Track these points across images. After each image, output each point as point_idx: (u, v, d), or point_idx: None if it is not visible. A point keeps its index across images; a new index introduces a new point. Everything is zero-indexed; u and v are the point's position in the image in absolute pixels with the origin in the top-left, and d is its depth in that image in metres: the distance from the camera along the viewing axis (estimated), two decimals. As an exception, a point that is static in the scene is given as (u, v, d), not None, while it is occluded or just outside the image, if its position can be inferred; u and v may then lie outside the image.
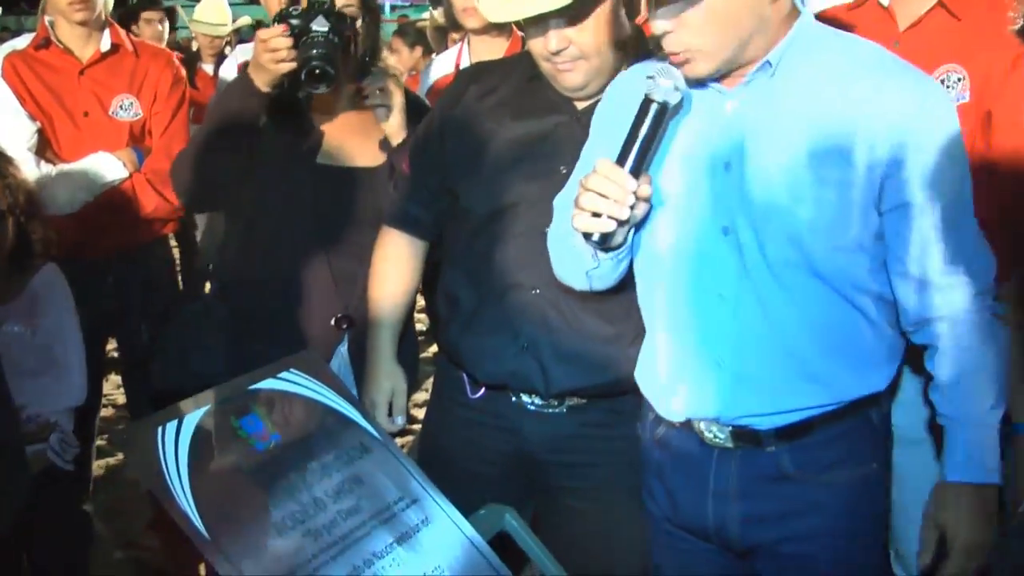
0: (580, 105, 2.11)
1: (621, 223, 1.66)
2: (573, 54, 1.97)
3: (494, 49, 3.13)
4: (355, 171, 2.52)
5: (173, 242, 4.02)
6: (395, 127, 2.46)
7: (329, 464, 1.64)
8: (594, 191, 1.64)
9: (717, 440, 1.80)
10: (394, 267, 2.37)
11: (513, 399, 2.20)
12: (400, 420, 2.38)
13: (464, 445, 2.24)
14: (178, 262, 4.74)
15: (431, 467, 1.81)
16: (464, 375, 2.26)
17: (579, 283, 1.94)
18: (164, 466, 1.46)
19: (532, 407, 2.19)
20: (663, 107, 1.65)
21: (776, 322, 1.71)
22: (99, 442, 3.59)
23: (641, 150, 1.65)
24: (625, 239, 1.77)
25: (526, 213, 2.13)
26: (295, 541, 1.50)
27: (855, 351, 1.75)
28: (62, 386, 2.71)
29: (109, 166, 3.10)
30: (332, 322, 2.51)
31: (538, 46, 1.99)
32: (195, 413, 1.56)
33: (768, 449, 1.76)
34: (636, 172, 1.64)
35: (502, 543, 1.80)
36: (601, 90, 2.02)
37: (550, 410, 2.20)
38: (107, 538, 3.91)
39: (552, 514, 2.28)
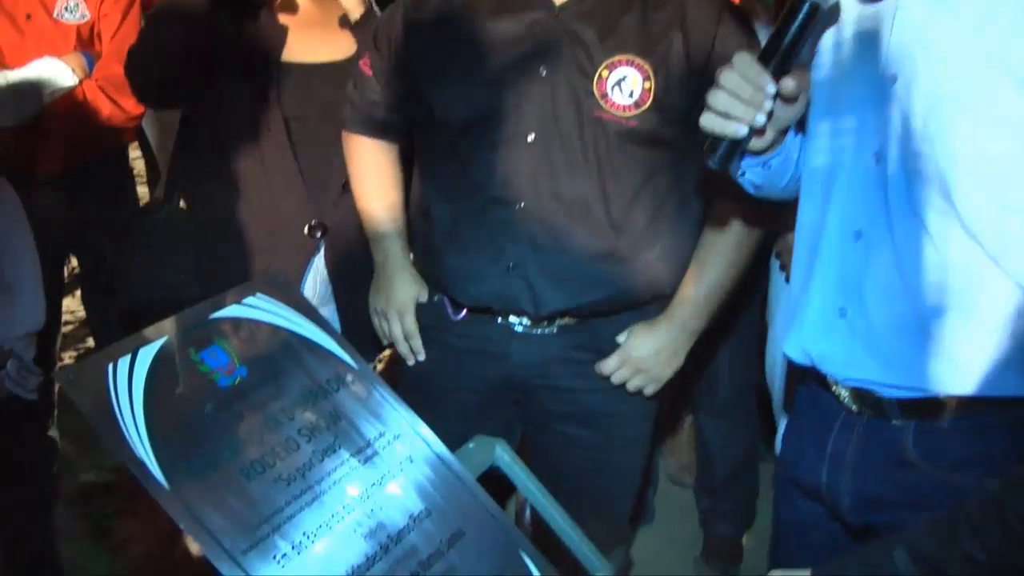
0: (558, 1, 1.94)
1: (754, 129, 1.49)
2: None
3: None
4: (322, 67, 2.36)
5: (136, 153, 3.84)
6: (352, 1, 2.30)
7: (303, 399, 1.48)
8: (727, 91, 1.47)
9: (843, 399, 1.60)
10: (376, 178, 2.22)
11: (499, 321, 2.07)
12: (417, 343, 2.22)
13: (448, 372, 2.11)
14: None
15: (412, 397, 1.64)
16: (444, 298, 2.11)
17: (748, 190, 1.75)
18: (116, 407, 1.30)
19: (520, 329, 2.06)
20: (815, 8, 1.46)
21: (911, 279, 1.47)
22: (68, 359, 3.45)
23: (785, 52, 1.47)
24: (772, 145, 1.59)
25: (505, 121, 1.97)
26: (266, 487, 1.35)
27: (1007, 338, 1.45)
28: (16, 311, 2.54)
29: (56, 72, 2.89)
30: (305, 230, 2.38)
31: None
32: (150, 346, 1.39)
33: (894, 422, 1.54)
34: (777, 75, 1.46)
35: (486, 475, 1.66)
36: None
37: (539, 331, 2.06)
38: (75, 462, 3.78)
39: (542, 442, 2.18)
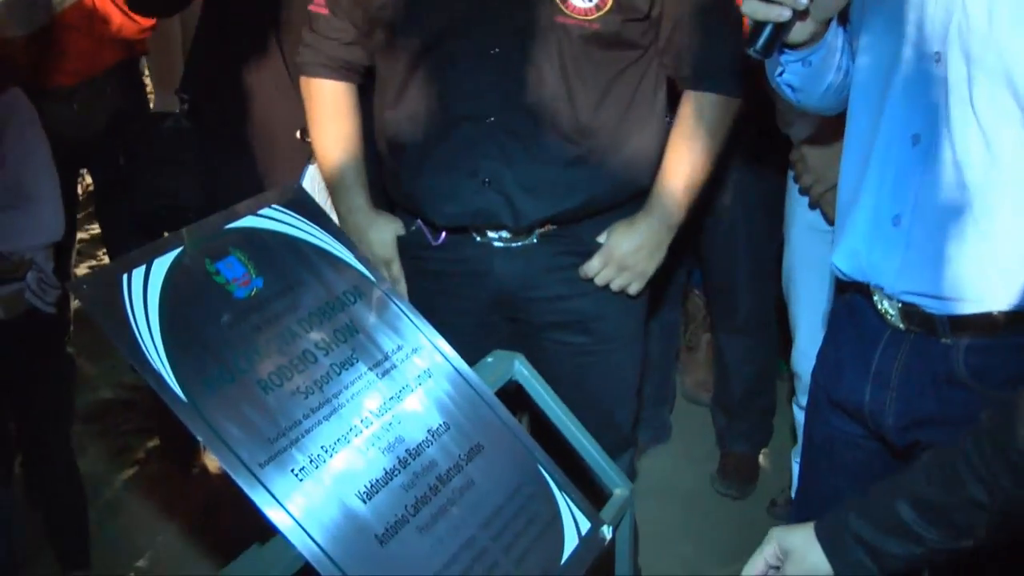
0: None
1: (797, 13, 1.43)
2: None
3: None
4: None
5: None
6: None
7: (319, 311, 1.45)
8: None
9: (889, 315, 1.56)
10: (338, 123, 2.18)
11: (478, 239, 2.06)
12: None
13: (434, 298, 2.10)
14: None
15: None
16: (420, 223, 2.09)
17: (784, 93, 1.71)
18: (132, 319, 1.27)
19: (500, 243, 2.05)
20: None
21: (970, 186, 1.42)
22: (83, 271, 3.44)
23: None
24: (813, 38, 1.54)
25: (467, 36, 1.95)
26: (284, 399, 1.33)
27: None
28: (36, 221, 2.55)
29: None
30: (298, 134, 2.39)
31: None
32: (165, 257, 1.35)
33: (943, 340, 1.50)
34: None
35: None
36: None
37: (520, 243, 2.07)
38: (93, 377, 3.80)
39: (538, 356, 2.15)
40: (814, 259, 2.43)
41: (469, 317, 2.15)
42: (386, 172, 2.19)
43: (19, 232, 2.48)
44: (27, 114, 2.53)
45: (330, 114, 2.18)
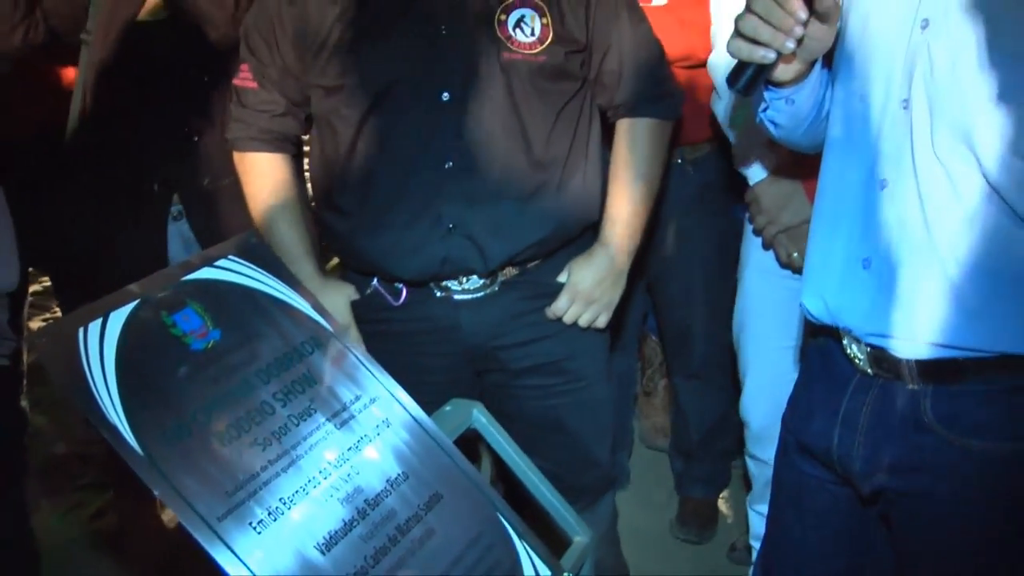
0: None
1: (781, 55, 1.45)
2: None
3: None
4: None
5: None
6: None
7: (277, 362, 1.46)
8: (757, 14, 1.41)
9: (858, 360, 1.58)
10: (279, 195, 2.15)
11: (439, 294, 2.06)
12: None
13: (400, 359, 2.05)
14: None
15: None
16: (377, 283, 2.09)
17: (768, 130, 1.73)
18: (88, 372, 1.27)
19: (463, 295, 2.06)
20: None
21: (935, 231, 1.45)
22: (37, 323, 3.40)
23: None
24: (798, 77, 1.56)
25: (415, 86, 1.98)
26: (241, 451, 1.33)
27: None
28: None
29: None
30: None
31: None
32: (121, 310, 1.35)
33: (910, 386, 1.52)
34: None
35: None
36: None
37: (482, 293, 2.08)
38: (46, 432, 3.74)
39: (511, 406, 2.17)
40: (766, 303, 2.45)
41: (438, 375, 2.14)
42: (333, 235, 2.16)
43: None
44: None
45: (269, 187, 2.14)
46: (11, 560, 2.81)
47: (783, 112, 1.65)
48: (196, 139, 2.54)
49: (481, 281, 2.07)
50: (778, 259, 2.36)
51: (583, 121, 2.12)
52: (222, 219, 2.51)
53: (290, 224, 2.15)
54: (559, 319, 2.14)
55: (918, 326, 1.48)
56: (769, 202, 2.32)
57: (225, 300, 1.47)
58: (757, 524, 2.69)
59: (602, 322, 2.17)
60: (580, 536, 1.69)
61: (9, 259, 2.51)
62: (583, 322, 2.15)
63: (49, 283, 4.04)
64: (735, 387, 2.96)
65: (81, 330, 1.30)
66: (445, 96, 1.97)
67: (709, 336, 3.02)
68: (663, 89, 2.17)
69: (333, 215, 2.12)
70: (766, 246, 2.40)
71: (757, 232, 2.41)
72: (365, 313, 2.16)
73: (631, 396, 3.57)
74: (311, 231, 2.22)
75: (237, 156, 2.18)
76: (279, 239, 2.13)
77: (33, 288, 4.04)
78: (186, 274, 1.46)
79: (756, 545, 2.72)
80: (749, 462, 2.69)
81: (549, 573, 1.53)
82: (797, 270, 1.65)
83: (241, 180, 2.19)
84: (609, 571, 2.50)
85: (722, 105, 2.42)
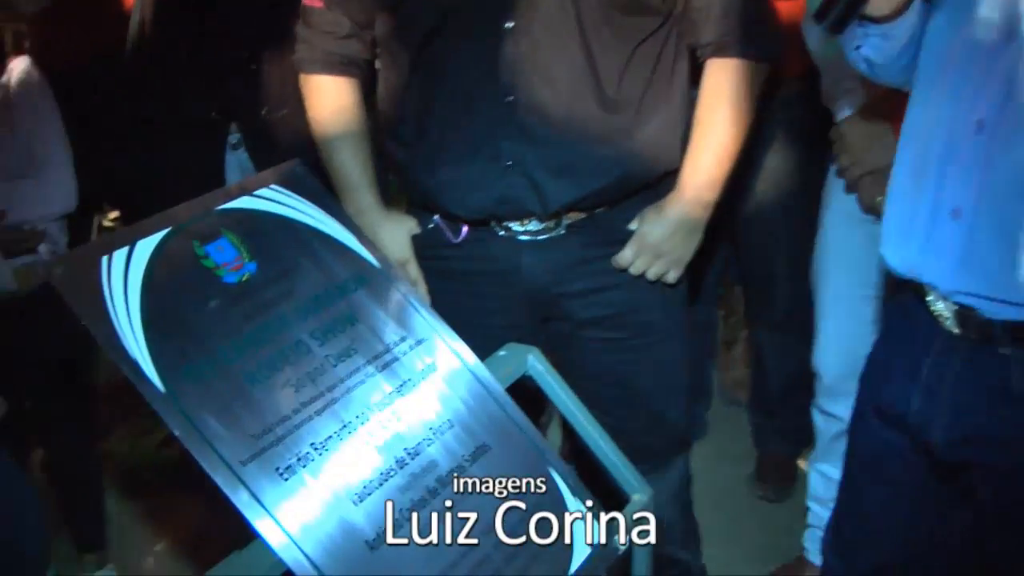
0: None
1: None
2: None
3: None
4: None
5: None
6: None
7: (316, 299, 1.36)
8: None
9: (943, 319, 1.44)
10: (342, 122, 2.06)
11: (501, 233, 1.94)
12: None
13: (459, 299, 1.99)
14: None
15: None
16: (439, 219, 1.99)
17: (860, 68, 1.60)
18: (110, 303, 1.19)
19: (526, 237, 1.93)
20: None
21: None
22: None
23: None
24: (897, 11, 1.43)
25: (479, 12, 1.85)
26: (272, 392, 1.24)
27: None
28: (48, 190, 2.52)
29: None
30: None
31: None
32: (150, 239, 1.27)
33: (1001, 350, 1.38)
34: None
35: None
36: None
37: (546, 236, 1.96)
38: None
39: (576, 357, 2.06)
40: (846, 249, 2.32)
41: (499, 317, 2.06)
42: (397, 169, 2.09)
43: (31, 202, 2.46)
44: (39, 84, 2.51)
45: (332, 111, 2.07)
46: (77, 482, 2.84)
47: (878, 49, 1.51)
48: (255, 67, 2.46)
49: (544, 224, 1.95)
50: (860, 204, 2.21)
51: (665, 61, 1.96)
52: (281, 149, 2.44)
53: (352, 152, 2.06)
54: (625, 270, 2.01)
55: (1013, 286, 1.34)
56: (855, 141, 2.16)
57: (263, 231, 1.38)
58: (817, 485, 2.59)
59: (672, 277, 2.03)
60: (639, 495, 1.58)
61: (67, 181, 2.52)
62: (651, 276, 2.01)
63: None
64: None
65: (105, 258, 1.22)
66: (508, 24, 1.84)
67: (792, 286, 2.88)
68: (758, 27, 1.96)
69: (394, 146, 2.04)
70: (848, 189, 2.25)
71: (840, 174, 2.26)
72: (425, 249, 2.08)
73: (711, 347, 3.45)
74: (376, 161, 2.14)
75: (302, 79, 2.10)
76: (339, 167, 2.06)
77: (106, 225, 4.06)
78: (223, 203, 1.37)
79: (813, 507, 2.61)
80: (816, 416, 2.57)
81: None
82: (881, 216, 1.51)
83: (305, 104, 2.11)
84: (678, 537, 2.39)
85: (815, 35, 2.26)
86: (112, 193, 2.86)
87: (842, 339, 2.38)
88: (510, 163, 1.89)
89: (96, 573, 2.82)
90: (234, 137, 2.52)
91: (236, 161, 2.54)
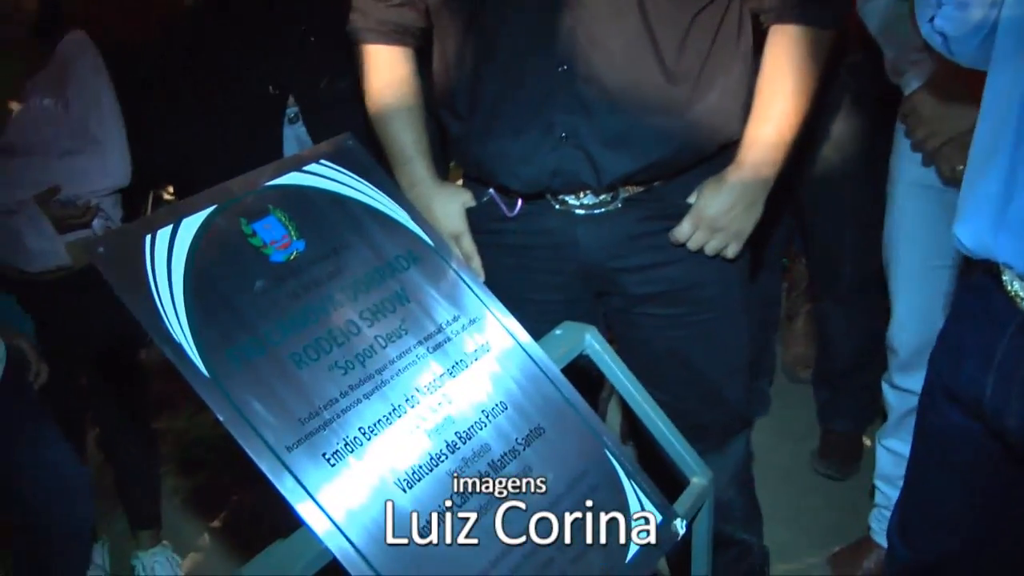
0: None
1: None
2: None
3: None
4: None
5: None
6: None
7: (366, 278, 1.32)
8: None
9: (1019, 299, 1.36)
10: (393, 91, 2.02)
11: (557, 207, 1.89)
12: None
13: (514, 274, 1.94)
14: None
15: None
16: (493, 192, 1.93)
17: (934, 43, 1.52)
18: (153, 283, 1.16)
19: (582, 211, 1.88)
20: None
21: None
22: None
23: None
24: None
25: None
26: (319, 375, 1.20)
27: None
28: (102, 164, 2.52)
29: None
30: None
31: None
32: (195, 216, 1.24)
33: None
34: None
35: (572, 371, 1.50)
36: None
37: (603, 209, 1.90)
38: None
39: (633, 334, 2.01)
40: (920, 220, 2.23)
41: (555, 293, 2.01)
42: (452, 141, 2.04)
43: (85, 176, 2.46)
44: (92, 59, 2.50)
45: (385, 81, 2.02)
46: (132, 459, 2.84)
47: (953, 20, 1.42)
48: (312, 39, 2.42)
49: (599, 197, 1.89)
50: (940, 175, 2.12)
51: (726, 30, 1.87)
52: (339, 122, 2.40)
53: (406, 123, 2.02)
54: (683, 244, 1.95)
55: None
56: (930, 111, 2.07)
57: (313, 208, 1.34)
58: (885, 462, 2.52)
59: (731, 252, 1.95)
60: (698, 477, 1.53)
61: (121, 155, 2.52)
62: (709, 250, 1.94)
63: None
64: (885, 314, 2.73)
65: (148, 236, 1.19)
66: None
67: (858, 258, 2.80)
68: None
69: (448, 117, 1.99)
70: (926, 162, 2.16)
71: (916, 147, 2.17)
72: (478, 222, 2.03)
73: (775, 321, 3.37)
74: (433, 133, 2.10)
75: (357, 49, 2.07)
76: (393, 138, 2.02)
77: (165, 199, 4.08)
78: (271, 179, 1.34)
79: (880, 485, 2.53)
80: (887, 391, 2.49)
81: (661, 518, 1.38)
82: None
83: (360, 74, 2.08)
84: (738, 517, 2.33)
85: (875, 14, 2.18)
86: (168, 168, 2.84)
87: (918, 313, 2.30)
88: (564, 135, 1.83)
89: (151, 549, 2.84)
90: (292, 111, 2.49)
91: (294, 135, 2.51)
